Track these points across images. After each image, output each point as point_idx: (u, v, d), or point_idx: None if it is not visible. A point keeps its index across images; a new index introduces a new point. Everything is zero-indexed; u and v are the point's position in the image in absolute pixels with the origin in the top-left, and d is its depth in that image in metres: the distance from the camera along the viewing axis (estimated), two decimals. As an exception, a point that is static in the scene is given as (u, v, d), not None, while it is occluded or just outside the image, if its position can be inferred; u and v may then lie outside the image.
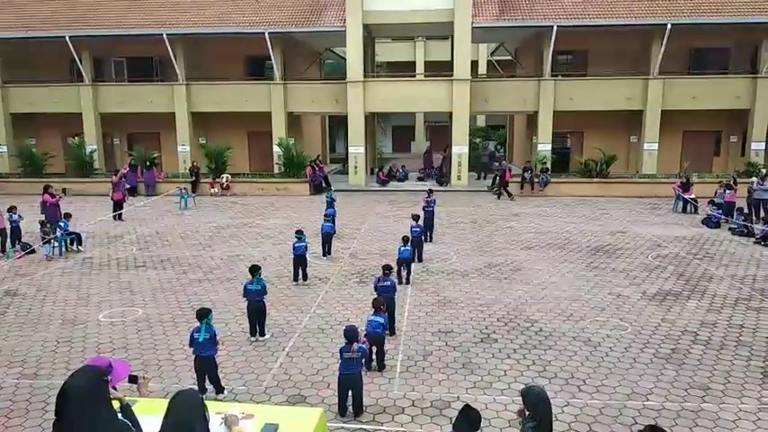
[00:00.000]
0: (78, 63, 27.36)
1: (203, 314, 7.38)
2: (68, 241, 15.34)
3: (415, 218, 14.05)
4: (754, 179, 19.21)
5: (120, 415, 3.51)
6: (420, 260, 13.73)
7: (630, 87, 25.94)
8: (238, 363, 8.40)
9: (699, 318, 10.05)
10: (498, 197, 24.26)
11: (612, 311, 10.41)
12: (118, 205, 19.80)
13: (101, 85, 28.70)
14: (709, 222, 17.99)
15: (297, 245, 12.16)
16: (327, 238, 14.48)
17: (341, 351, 6.94)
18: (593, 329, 9.54)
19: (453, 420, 4.42)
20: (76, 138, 27.39)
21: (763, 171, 19.96)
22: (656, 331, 9.44)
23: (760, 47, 25.18)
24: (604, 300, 11.06)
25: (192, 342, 7.29)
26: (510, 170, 25.09)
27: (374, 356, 8.05)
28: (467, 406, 4.45)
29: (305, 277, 12.26)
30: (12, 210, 15.39)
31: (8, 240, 15.22)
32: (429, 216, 16.05)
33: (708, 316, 10.14)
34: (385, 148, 43.21)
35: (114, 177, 20.71)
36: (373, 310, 8.16)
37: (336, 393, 6.97)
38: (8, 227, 15.21)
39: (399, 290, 11.26)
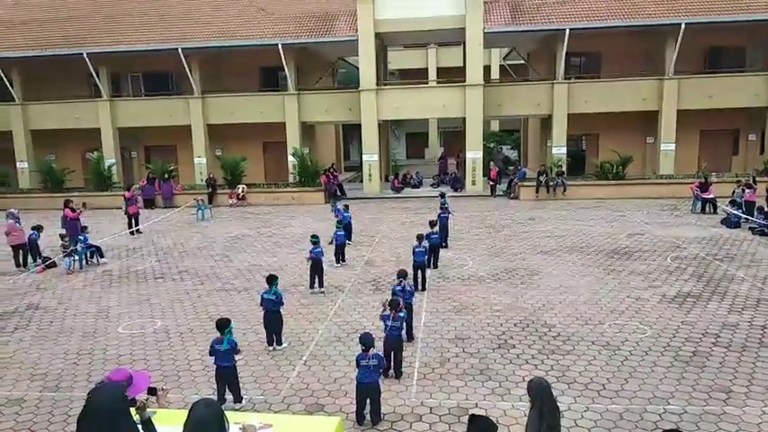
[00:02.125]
0: (96, 79, 27.86)
1: (224, 325, 7.45)
2: (89, 254, 15.57)
3: (432, 224, 14.05)
4: (773, 177, 18.94)
5: (140, 427, 3.58)
6: (435, 266, 13.71)
7: (645, 88, 25.74)
8: (256, 372, 8.44)
9: (720, 320, 9.90)
10: (492, 194, 25.65)
11: (631, 315, 10.29)
12: (134, 219, 19.81)
13: (118, 100, 29.20)
14: (729, 222, 17.73)
15: (314, 251, 12.18)
16: (341, 247, 14.55)
17: (357, 359, 6.94)
18: (612, 333, 9.44)
19: None
20: (95, 152, 27.84)
21: (783, 169, 19.67)
22: (676, 334, 9.31)
23: (776, 44, 24.88)
24: (623, 303, 10.94)
25: (214, 352, 7.36)
26: (498, 168, 27.41)
27: (392, 363, 8.05)
28: (473, 415, 4.46)
29: (321, 284, 12.29)
30: (36, 228, 15.72)
31: (29, 255, 15.52)
32: (443, 222, 16.00)
33: (729, 317, 9.98)
34: (399, 154, 43.30)
35: (127, 192, 20.66)
36: (391, 311, 8.09)
37: (354, 402, 6.98)
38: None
39: (415, 296, 11.29)
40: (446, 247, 15.65)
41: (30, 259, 15.49)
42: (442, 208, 16.60)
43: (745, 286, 11.73)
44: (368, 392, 6.86)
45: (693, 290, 11.60)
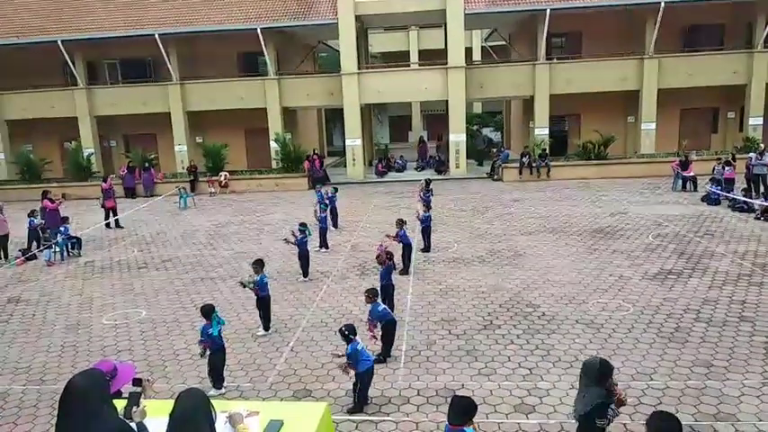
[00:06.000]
0: (72, 67, 27.28)
1: (210, 310, 7.46)
2: (69, 246, 15.37)
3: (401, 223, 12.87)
4: (752, 154, 19.16)
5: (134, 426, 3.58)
6: (427, 250, 13.79)
7: (626, 67, 25.81)
8: (243, 360, 8.43)
9: (701, 295, 10.06)
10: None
11: (614, 293, 10.42)
12: (112, 212, 19.06)
13: (95, 88, 28.62)
14: (709, 199, 17.98)
15: (301, 239, 12.11)
16: (323, 231, 14.55)
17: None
18: (596, 312, 9.56)
19: (447, 414, 4.45)
20: (73, 142, 27.34)
21: (762, 146, 19.90)
22: (658, 311, 9.45)
23: (754, 22, 25.02)
24: (606, 281, 11.07)
25: (211, 337, 7.34)
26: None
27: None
28: (455, 396, 4.51)
29: (305, 274, 12.19)
30: (32, 214, 15.55)
31: (31, 244, 15.44)
32: (426, 226, 13.96)
33: (710, 293, 10.15)
34: (382, 138, 43.17)
35: (104, 184, 19.61)
36: (371, 300, 8.01)
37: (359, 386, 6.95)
38: (9, 231, 15.31)
39: (402, 279, 11.37)
40: (428, 250, 13.92)
41: (10, 251, 15.27)
42: (425, 203, 15.01)
43: (725, 262, 11.92)
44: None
45: (675, 267, 11.76)
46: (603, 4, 24.71)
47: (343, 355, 6.79)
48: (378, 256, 9.92)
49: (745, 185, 18.25)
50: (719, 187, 18.25)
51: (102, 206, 19.24)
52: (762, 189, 18.08)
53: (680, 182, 20.65)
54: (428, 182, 17.33)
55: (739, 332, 8.48)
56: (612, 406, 4.59)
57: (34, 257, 15.04)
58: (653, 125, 25.81)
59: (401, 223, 12.37)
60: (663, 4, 23.65)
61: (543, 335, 8.75)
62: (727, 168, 18.64)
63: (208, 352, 7.39)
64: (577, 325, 9.06)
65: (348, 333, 6.74)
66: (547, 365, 7.75)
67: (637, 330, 8.73)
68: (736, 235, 14.11)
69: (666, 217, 16.36)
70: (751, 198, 17.06)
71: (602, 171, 24.22)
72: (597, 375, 4.60)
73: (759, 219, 15.50)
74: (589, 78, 25.68)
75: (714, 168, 19.47)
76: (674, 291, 10.36)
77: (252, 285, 9.11)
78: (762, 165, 18.35)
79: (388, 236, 12.33)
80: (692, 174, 20.48)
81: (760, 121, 25.28)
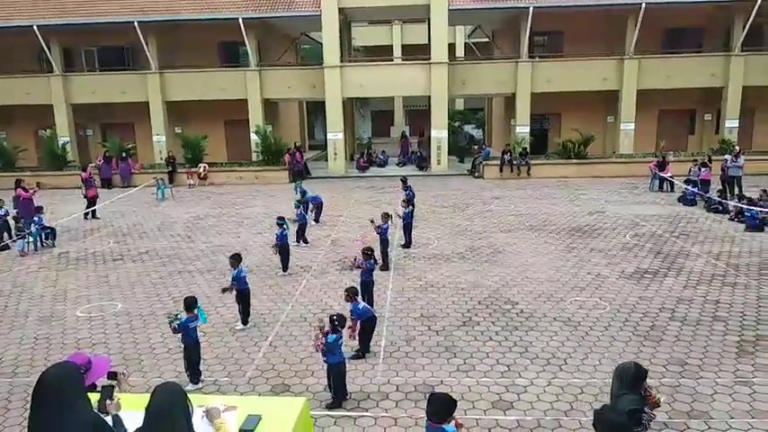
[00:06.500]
0: (48, 53, 26.69)
1: (194, 302, 7.40)
2: (43, 236, 15.07)
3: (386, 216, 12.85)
4: (727, 156, 19.50)
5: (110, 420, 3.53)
6: (408, 246, 13.79)
7: (606, 68, 26.09)
8: (221, 354, 8.35)
9: (676, 295, 10.21)
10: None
11: (592, 291, 10.54)
12: (92, 203, 18.79)
13: (71, 75, 28.06)
14: (685, 200, 18.27)
15: (281, 233, 12.02)
16: (302, 227, 14.44)
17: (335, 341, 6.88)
18: (573, 309, 9.65)
19: (426, 411, 4.46)
20: (48, 130, 26.78)
21: (737, 148, 20.27)
22: (634, 309, 9.58)
23: (732, 25, 25.43)
24: (583, 280, 11.18)
25: (187, 330, 7.27)
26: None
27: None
28: (432, 394, 4.53)
29: (284, 268, 12.12)
30: None
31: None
32: (407, 222, 14.05)
33: (684, 293, 10.31)
34: (364, 133, 43.07)
35: (83, 173, 19.37)
36: (351, 299, 7.96)
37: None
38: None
39: (382, 275, 11.36)
40: (409, 246, 13.99)
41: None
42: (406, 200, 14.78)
43: (699, 262, 12.12)
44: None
45: (651, 266, 11.93)
46: (586, 3, 24.89)
47: (324, 329, 6.77)
48: (354, 259, 9.84)
49: (721, 187, 18.57)
50: (696, 188, 18.54)
51: (85, 196, 18.93)
52: (736, 191, 18.41)
53: (657, 182, 20.96)
54: (404, 180, 17.07)
55: (713, 331, 8.64)
56: (647, 409, 4.49)
57: (7, 248, 14.71)
58: (632, 125, 26.15)
59: (386, 217, 12.36)
60: (644, 5, 23.91)
61: (521, 332, 8.82)
62: (703, 170, 18.96)
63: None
64: (555, 322, 9.14)
65: (337, 324, 6.81)
66: (525, 362, 7.81)
67: (613, 328, 8.84)
68: (711, 235, 14.36)
69: (643, 217, 16.58)
70: (726, 199, 17.36)
71: (581, 170, 24.47)
72: (632, 380, 4.50)
73: (733, 220, 15.78)
74: (570, 78, 25.90)
75: (690, 169, 19.79)
76: (649, 290, 10.50)
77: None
78: (737, 167, 18.71)
79: (371, 220, 12.28)
80: (669, 174, 20.78)
81: (736, 123, 25.76)
